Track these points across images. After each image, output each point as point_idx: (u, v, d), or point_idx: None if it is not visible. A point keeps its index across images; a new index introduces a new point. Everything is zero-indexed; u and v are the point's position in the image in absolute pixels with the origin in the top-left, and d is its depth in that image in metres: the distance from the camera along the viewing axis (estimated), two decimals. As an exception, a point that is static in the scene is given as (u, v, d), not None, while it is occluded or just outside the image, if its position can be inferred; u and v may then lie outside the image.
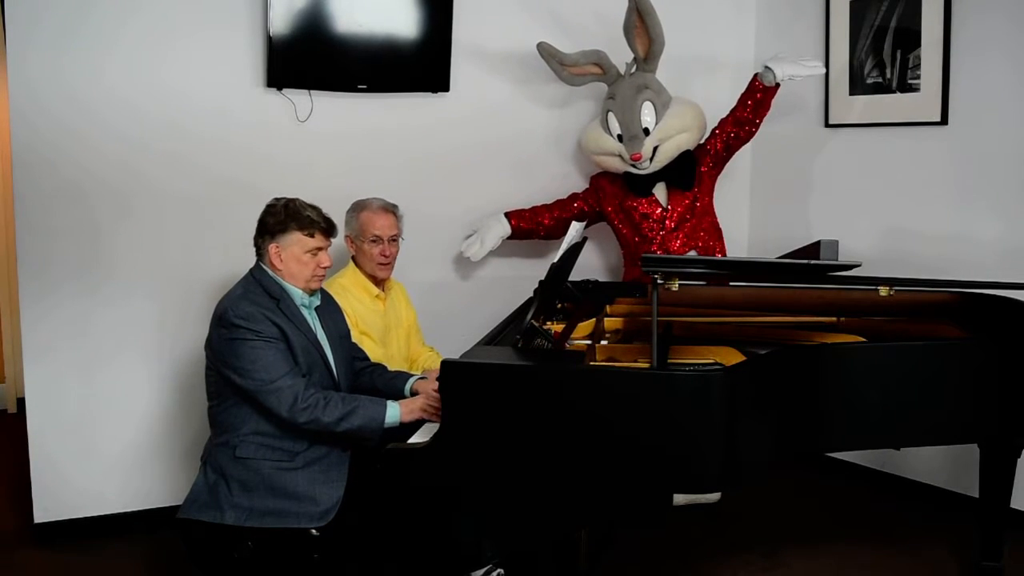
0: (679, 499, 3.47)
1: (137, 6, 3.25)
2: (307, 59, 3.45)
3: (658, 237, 3.66)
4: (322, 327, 2.62)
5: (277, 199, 2.57)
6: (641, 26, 3.46)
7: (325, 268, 2.56)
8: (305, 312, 2.56)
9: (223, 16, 3.38)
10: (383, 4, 3.52)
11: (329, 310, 2.68)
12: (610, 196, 3.75)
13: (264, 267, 2.53)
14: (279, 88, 3.46)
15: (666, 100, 3.60)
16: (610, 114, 3.63)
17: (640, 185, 3.66)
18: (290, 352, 2.45)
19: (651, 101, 3.56)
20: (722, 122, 3.62)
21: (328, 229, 2.54)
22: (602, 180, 3.81)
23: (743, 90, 3.54)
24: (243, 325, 2.40)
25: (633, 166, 3.60)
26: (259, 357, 2.39)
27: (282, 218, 2.49)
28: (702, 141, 3.68)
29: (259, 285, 2.50)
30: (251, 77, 3.45)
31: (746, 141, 3.65)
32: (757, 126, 3.58)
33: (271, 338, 2.42)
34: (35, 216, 3.21)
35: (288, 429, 2.43)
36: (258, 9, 3.40)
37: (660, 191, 3.67)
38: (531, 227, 3.80)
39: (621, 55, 3.62)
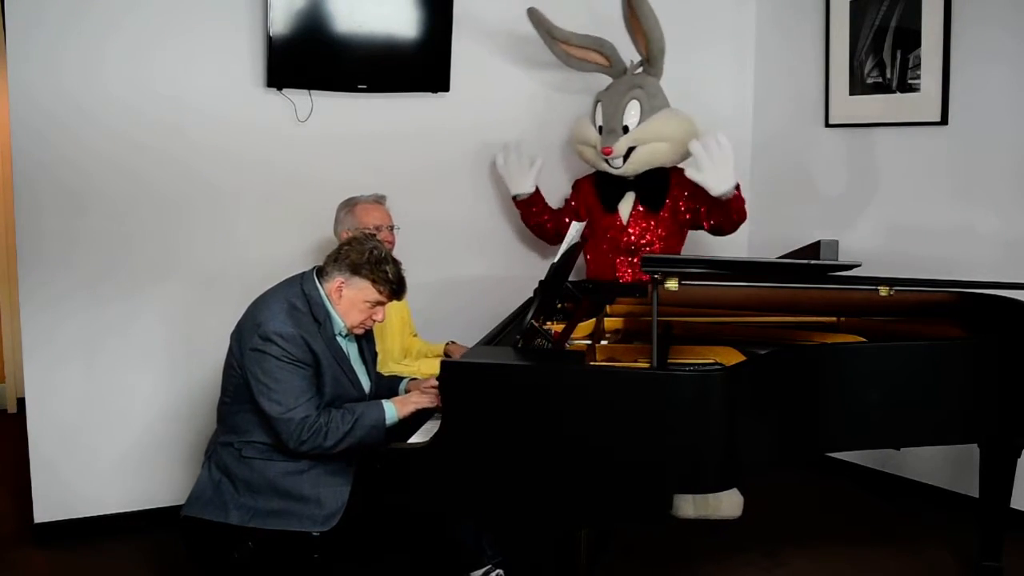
0: (689, 511, 3.45)
1: (136, 6, 3.25)
2: (307, 59, 3.45)
3: (618, 257, 3.60)
4: (358, 353, 2.62)
5: (366, 237, 2.56)
6: (635, 21, 3.44)
7: (375, 322, 2.55)
8: (342, 339, 2.54)
9: (223, 16, 3.38)
10: (383, 4, 3.52)
11: (365, 336, 2.65)
12: (582, 198, 3.71)
13: (319, 287, 2.50)
14: (279, 88, 3.46)
15: (656, 105, 3.53)
16: (598, 105, 3.60)
17: (608, 191, 3.61)
18: (317, 379, 2.44)
19: (639, 100, 3.51)
20: (703, 216, 3.52)
21: (398, 291, 2.52)
22: (582, 182, 3.77)
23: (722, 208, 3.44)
24: (279, 343, 2.37)
25: (606, 160, 3.55)
26: (283, 379, 2.37)
27: (363, 261, 2.46)
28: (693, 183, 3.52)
29: (307, 303, 2.47)
30: (251, 77, 3.45)
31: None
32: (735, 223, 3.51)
33: (301, 363, 2.40)
34: (35, 217, 3.21)
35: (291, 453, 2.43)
36: (258, 9, 3.40)
37: (627, 204, 3.60)
38: (540, 212, 3.75)
39: (626, 57, 3.62)
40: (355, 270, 2.46)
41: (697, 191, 3.47)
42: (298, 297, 2.47)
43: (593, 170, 3.72)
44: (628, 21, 3.48)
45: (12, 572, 3.13)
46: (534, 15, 3.56)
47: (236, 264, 3.42)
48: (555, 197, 3.86)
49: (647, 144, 3.50)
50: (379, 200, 3.12)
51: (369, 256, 2.47)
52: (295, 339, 2.39)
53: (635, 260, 3.58)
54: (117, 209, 3.31)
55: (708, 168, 3.27)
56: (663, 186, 3.57)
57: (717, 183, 3.29)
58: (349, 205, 3.09)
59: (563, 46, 3.60)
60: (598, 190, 3.66)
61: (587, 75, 3.87)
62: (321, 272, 2.52)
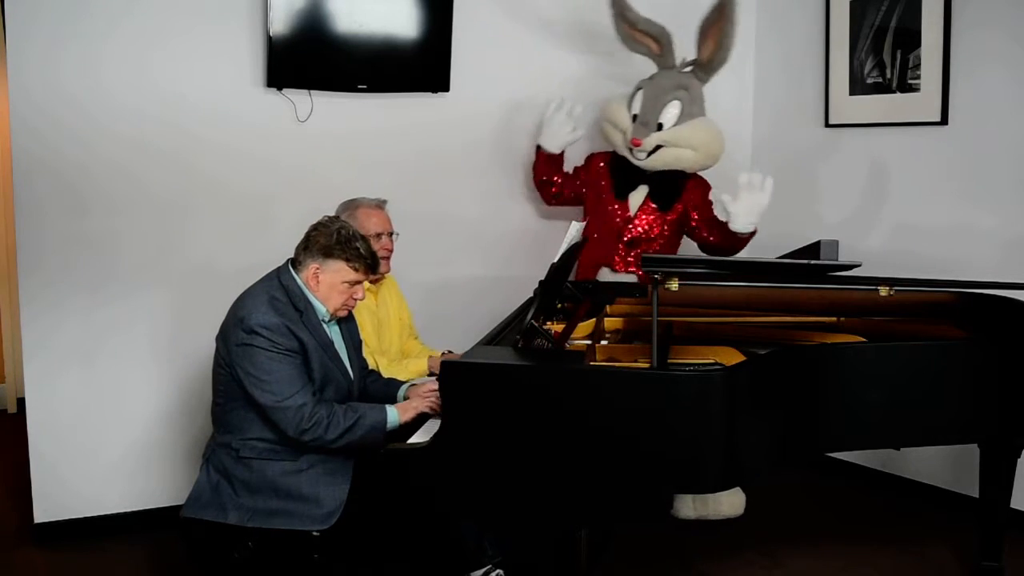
0: (690, 512, 3.45)
1: (136, 6, 3.25)
2: (307, 59, 3.44)
3: (619, 245, 3.60)
4: (342, 340, 2.63)
5: (331, 220, 2.56)
6: (718, 25, 3.41)
7: (357, 301, 2.56)
8: (326, 326, 2.55)
9: (223, 16, 3.38)
10: (383, 4, 3.52)
11: (347, 322, 2.67)
12: (593, 176, 3.68)
13: (296, 277, 2.51)
14: (279, 88, 3.46)
15: (695, 112, 3.52)
16: (639, 92, 3.55)
17: (624, 178, 3.60)
18: (306, 366, 2.45)
19: (681, 102, 3.48)
20: (706, 229, 3.56)
21: (373, 266, 2.54)
22: (595, 159, 3.73)
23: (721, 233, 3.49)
24: (264, 335, 2.38)
25: (629, 149, 3.55)
26: (274, 369, 2.38)
27: (332, 243, 2.47)
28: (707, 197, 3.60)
29: (286, 294, 2.48)
30: (251, 77, 3.45)
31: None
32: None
33: (289, 351, 2.41)
34: (35, 217, 3.21)
35: (292, 443, 2.43)
36: (258, 9, 3.39)
37: (638, 195, 3.60)
38: (554, 172, 3.72)
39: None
40: (327, 253, 2.48)
41: (708, 207, 3.52)
42: (277, 289, 2.49)
43: (610, 149, 3.71)
44: (709, 21, 3.43)
45: (12, 572, 3.13)
46: None
47: (237, 264, 3.41)
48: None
49: (675, 148, 3.50)
50: (380, 205, 3.10)
51: (338, 237, 2.48)
52: (280, 328, 2.40)
53: (634, 252, 3.59)
54: (117, 209, 3.31)
55: (743, 203, 3.34)
56: (677, 189, 3.58)
57: (743, 221, 3.38)
58: (350, 207, 3.08)
59: (628, 27, 3.55)
60: (612, 174, 3.64)
61: (587, 74, 3.88)
62: (295, 263, 2.54)
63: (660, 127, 3.49)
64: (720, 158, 3.58)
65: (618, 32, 3.58)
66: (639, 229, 3.58)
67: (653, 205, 3.58)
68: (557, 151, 3.68)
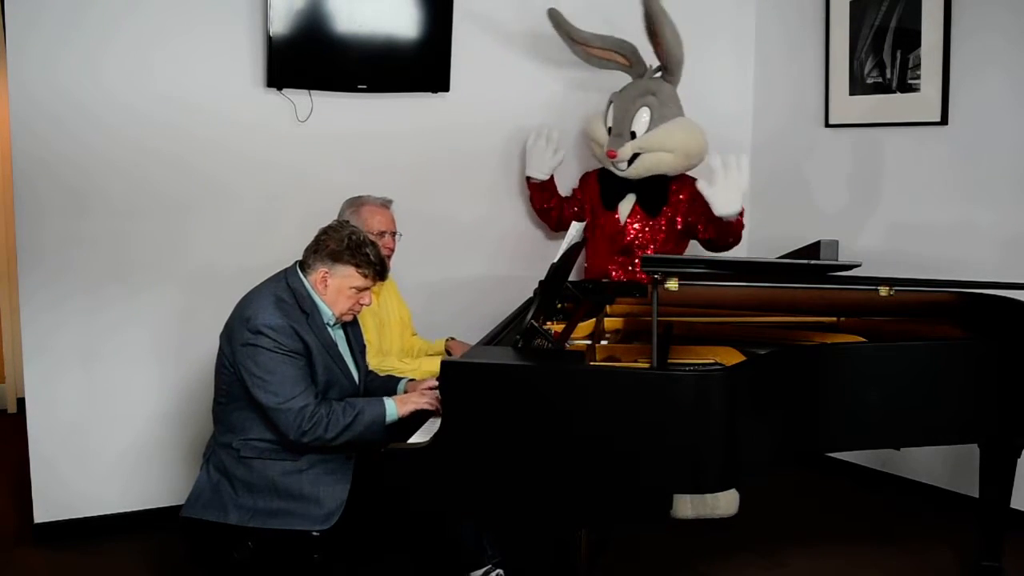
0: (688, 511, 3.45)
1: (136, 6, 3.25)
2: (307, 59, 3.44)
3: (617, 257, 3.62)
4: (346, 342, 2.63)
5: (341, 224, 2.57)
6: (653, 32, 3.43)
7: (363, 306, 2.56)
8: (330, 329, 2.55)
9: (223, 16, 3.38)
10: (383, 4, 3.52)
11: (352, 325, 2.67)
12: (588, 193, 3.75)
13: (303, 279, 2.51)
14: (279, 88, 3.46)
15: (667, 114, 3.52)
16: (611, 106, 3.61)
17: (613, 189, 3.64)
18: (310, 368, 2.45)
19: (649, 107, 3.51)
20: (701, 225, 3.53)
21: (382, 272, 2.54)
22: (588, 176, 3.81)
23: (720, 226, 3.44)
24: (269, 335, 2.38)
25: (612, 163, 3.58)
26: (278, 370, 2.38)
27: (343, 248, 2.47)
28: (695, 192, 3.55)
29: (292, 295, 2.48)
30: (251, 77, 3.45)
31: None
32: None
33: (294, 353, 2.41)
34: (36, 217, 3.21)
35: (292, 445, 2.43)
36: (258, 9, 3.40)
37: (627, 204, 3.63)
38: (549, 198, 3.77)
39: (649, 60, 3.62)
40: (336, 258, 2.48)
41: (697, 204, 3.50)
42: (284, 291, 2.49)
43: (599, 165, 3.76)
44: (647, 25, 3.45)
45: (12, 572, 3.13)
46: (554, 16, 3.58)
47: (237, 264, 3.41)
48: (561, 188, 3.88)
49: (652, 152, 3.51)
50: (386, 204, 3.11)
51: (348, 242, 2.48)
52: (285, 330, 2.40)
53: (630, 260, 3.61)
54: (117, 209, 3.31)
55: (720, 186, 3.27)
56: (662, 193, 3.59)
57: (724, 203, 3.28)
58: (355, 204, 3.08)
59: (583, 47, 3.60)
60: (601, 187, 3.69)
61: (586, 74, 3.88)
62: (303, 265, 2.53)
63: (634, 135, 3.52)
64: (703, 155, 3.55)
65: (574, 52, 3.64)
66: (629, 236, 3.61)
67: (642, 212, 3.60)
68: (545, 177, 3.74)
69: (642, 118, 3.52)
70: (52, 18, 3.14)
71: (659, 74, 3.59)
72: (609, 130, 3.59)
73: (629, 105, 3.54)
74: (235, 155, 3.46)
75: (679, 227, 3.61)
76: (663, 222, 3.60)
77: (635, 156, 3.52)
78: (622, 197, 3.64)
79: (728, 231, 3.45)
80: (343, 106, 3.59)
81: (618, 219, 3.63)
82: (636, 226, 3.61)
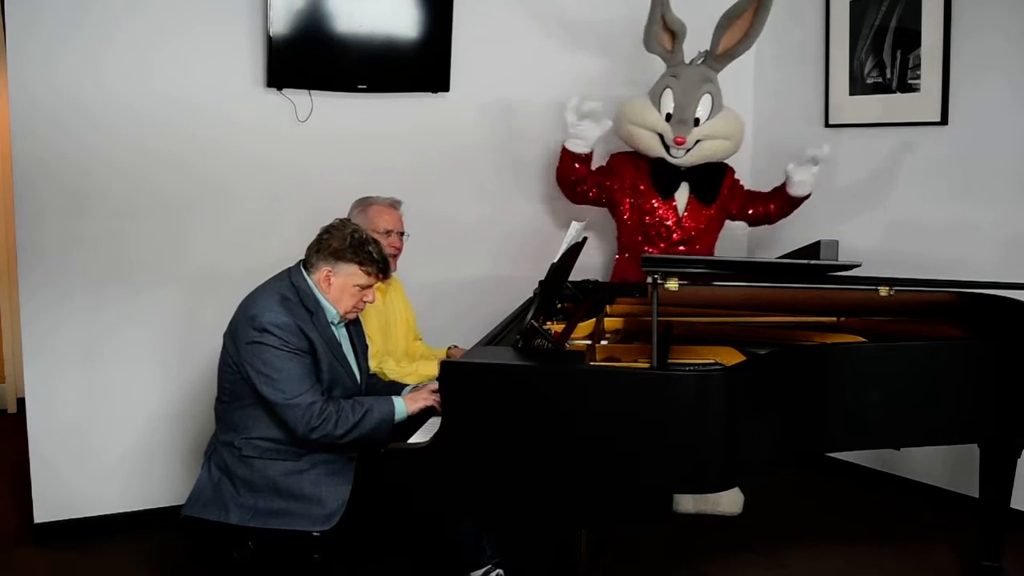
0: (689, 505, 3.46)
1: (136, 6, 3.25)
2: (307, 59, 3.44)
3: (662, 244, 3.62)
4: (349, 342, 2.63)
5: (343, 222, 2.56)
6: (751, 15, 3.43)
7: (367, 303, 2.57)
8: (334, 328, 2.55)
9: (223, 16, 3.38)
10: (383, 4, 3.52)
11: (354, 325, 2.67)
12: (628, 181, 3.65)
13: (307, 278, 2.51)
14: (279, 88, 3.46)
15: (721, 103, 3.58)
16: (668, 91, 3.54)
17: (666, 178, 3.59)
18: (315, 366, 2.45)
19: (711, 95, 3.53)
20: (762, 203, 3.71)
21: (385, 270, 2.54)
22: (624, 162, 3.69)
23: (779, 196, 3.69)
24: (275, 333, 2.38)
25: (668, 150, 3.54)
26: (285, 367, 2.38)
27: (345, 246, 2.47)
28: (741, 183, 3.76)
29: (296, 294, 2.48)
30: (251, 77, 3.45)
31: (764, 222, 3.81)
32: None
33: (299, 351, 2.41)
34: (36, 217, 3.21)
35: (299, 442, 2.43)
36: (258, 9, 3.40)
37: (683, 194, 3.61)
38: (581, 168, 3.61)
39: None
40: (339, 256, 2.48)
41: (736, 189, 3.68)
42: (288, 289, 2.49)
43: (626, 149, 3.70)
44: (739, 8, 3.44)
45: (12, 572, 3.13)
46: None
47: (237, 264, 3.41)
48: (549, 194, 3.88)
49: (712, 139, 3.55)
50: (394, 204, 3.11)
51: (351, 240, 2.48)
52: (290, 327, 2.40)
53: (691, 250, 3.62)
54: (117, 209, 3.31)
55: (806, 170, 3.54)
56: (717, 181, 3.63)
57: (803, 186, 3.59)
58: (363, 204, 3.08)
59: (661, 28, 3.51)
60: (653, 176, 3.62)
61: (586, 74, 3.87)
62: (306, 264, 2.54)
63: (697, 122, 3.52)
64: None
65: (649, 32, 3.52)
66: (688, 226, 3.61)
67: (698, 202, 3.62)
68: (588, 150, 3.60)
69: (706, 104, 3.53)
70: (52, 18, 3.14)
71: (702, 61, 3.57)
72: (667, 116, 3.54)
73: (694, 91, 3.51)
74: (235, 155, 3.46)
75: (731, 212, 3.70)
76: (713, 210, 3.64)
77: (695, 143, 3.54)
78: (677, 186, 3.61)
79: (792, 206, 3.68)
80: (343, 106, 3.59)
81: (676, 207, 3.61)
82: (694, 215, 3.62)
